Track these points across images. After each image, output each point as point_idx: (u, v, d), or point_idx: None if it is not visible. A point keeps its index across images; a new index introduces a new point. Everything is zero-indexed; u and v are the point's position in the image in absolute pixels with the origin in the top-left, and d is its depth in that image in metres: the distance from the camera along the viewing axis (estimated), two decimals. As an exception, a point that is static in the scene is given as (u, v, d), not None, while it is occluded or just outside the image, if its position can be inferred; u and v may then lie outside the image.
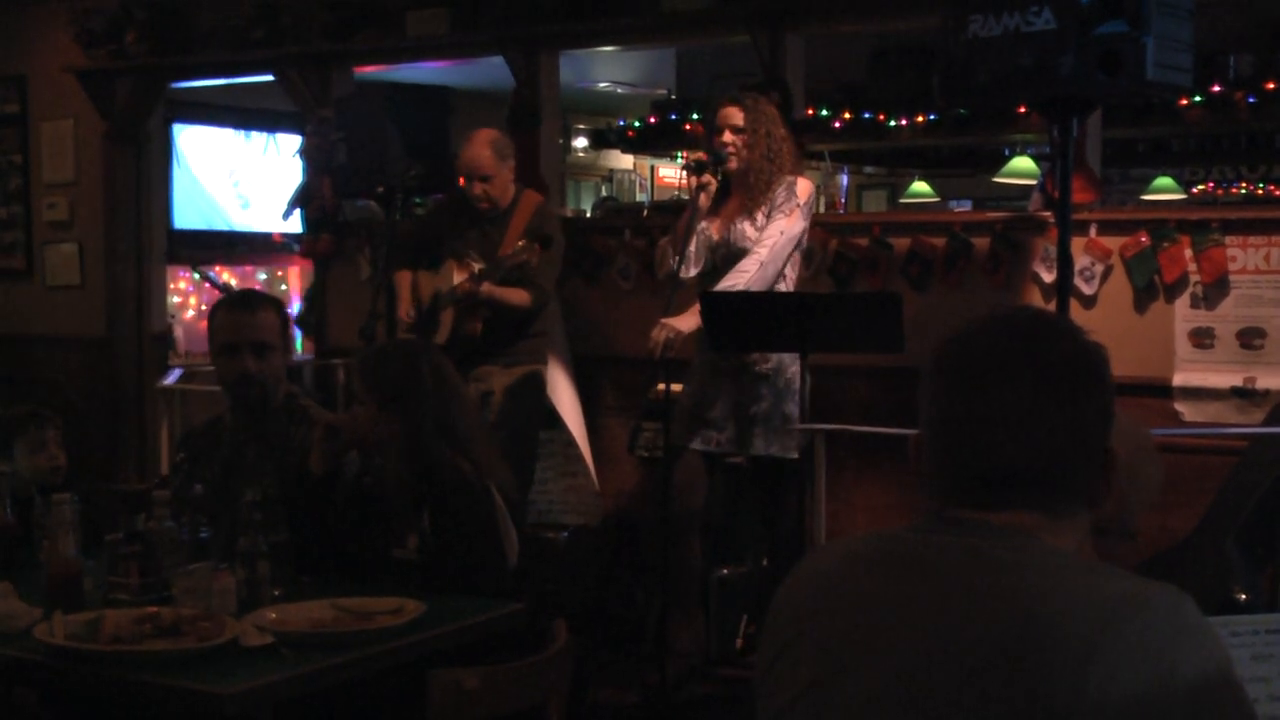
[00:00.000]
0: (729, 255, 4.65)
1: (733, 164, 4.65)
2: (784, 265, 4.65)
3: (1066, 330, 1.53)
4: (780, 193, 4.64)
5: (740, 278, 4.56)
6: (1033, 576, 1.39)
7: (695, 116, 7.67)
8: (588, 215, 8.96)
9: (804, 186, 4.70)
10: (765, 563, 4.94)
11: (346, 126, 6.52)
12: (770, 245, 4.59)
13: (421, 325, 5.33)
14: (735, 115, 4.68)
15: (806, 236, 4.76)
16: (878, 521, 5.41)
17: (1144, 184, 9.47)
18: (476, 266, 5.17)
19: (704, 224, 4.70)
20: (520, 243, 5.03)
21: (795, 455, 4.70)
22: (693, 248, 4.63)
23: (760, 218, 4.63)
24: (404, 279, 5.43)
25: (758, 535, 4.86)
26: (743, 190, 4.70)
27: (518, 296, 5.19)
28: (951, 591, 1.41)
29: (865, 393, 5.40)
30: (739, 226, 4.66)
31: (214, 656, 2.62)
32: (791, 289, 4.73)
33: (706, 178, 4.63)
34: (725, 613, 4.94)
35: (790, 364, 4.68)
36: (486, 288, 5.09)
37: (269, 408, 3.63)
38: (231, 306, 3.67)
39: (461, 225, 5.35)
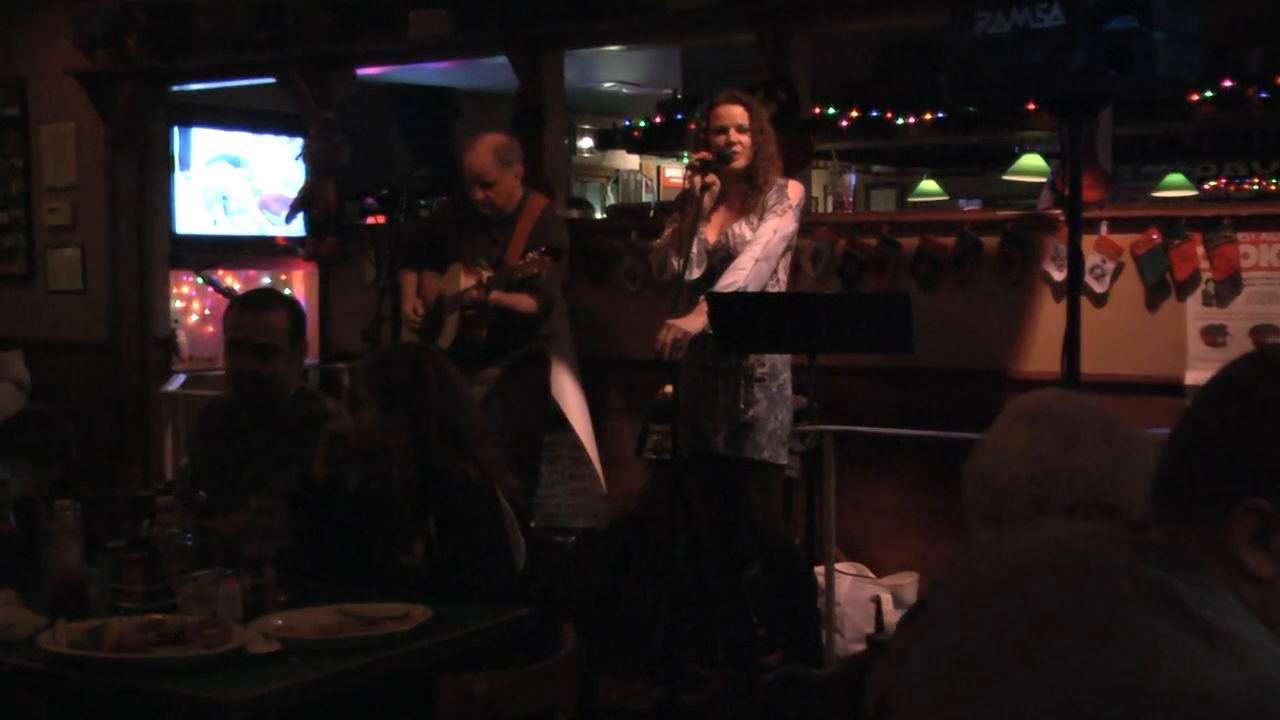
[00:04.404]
0: (726, 258, 4.65)
1: (740, 162, 4.65)
2: (777, 265, 4.65)
3: None
4: (771, 195, 4.65)
5: (738, 275, 4.56)
6: None
7: (697, 117, 7.67)
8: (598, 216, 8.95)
9: (795, 189, 4.71)
10: (753, 571, 4.93)
11: (349, 128, 6.54)
12: (765, 243, 4.59)
13: (425, 328, 5.34)
14: (739, 114, 4.68)
15: (795, 239, 4.77)
16: (888, 526, 5.40)
17: (1155, 181, 9.46)
18: (485, 274, 5.17)
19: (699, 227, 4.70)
20: (531, 255, 5.03)
21: (785, 461, 4.70)
22: (695, 249, 4.63)
23: (755, 220, 4.64)
24: (409, 279, 5.43)
25: (749, 541, 4.85)
26: (740, 191, 4.70)
27: (524, 303, 5.19)
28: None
29: (873, 394, 5.41)
30: (736, 230, 4.66)
31: (220, 664, 2.62)
32: (782, 291, 4.74)
33: (710, 177, 4.63)
34: (735, 616, 4.93)
35: (783, 368, 4.68)
36: (495, 296, 5.10)
37: (276, 409, 3.65)
38: (242, 304, 3.80)
39: (467, 228, 5.35)
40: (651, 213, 7.06)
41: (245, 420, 3.72)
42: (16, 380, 7.45)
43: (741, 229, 4.66)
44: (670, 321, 4.57)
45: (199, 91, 7.76)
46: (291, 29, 6.85)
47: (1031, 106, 6.45)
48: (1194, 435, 1.38)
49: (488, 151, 5.24)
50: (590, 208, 9.27)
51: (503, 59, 6.43)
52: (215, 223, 8.42)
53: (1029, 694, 1.29)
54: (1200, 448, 1.37)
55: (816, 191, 10.05)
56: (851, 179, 11.17)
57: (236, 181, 8.57)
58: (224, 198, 8.51)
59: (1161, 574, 1.30)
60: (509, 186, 5.28)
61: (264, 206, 8.55)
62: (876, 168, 11.73)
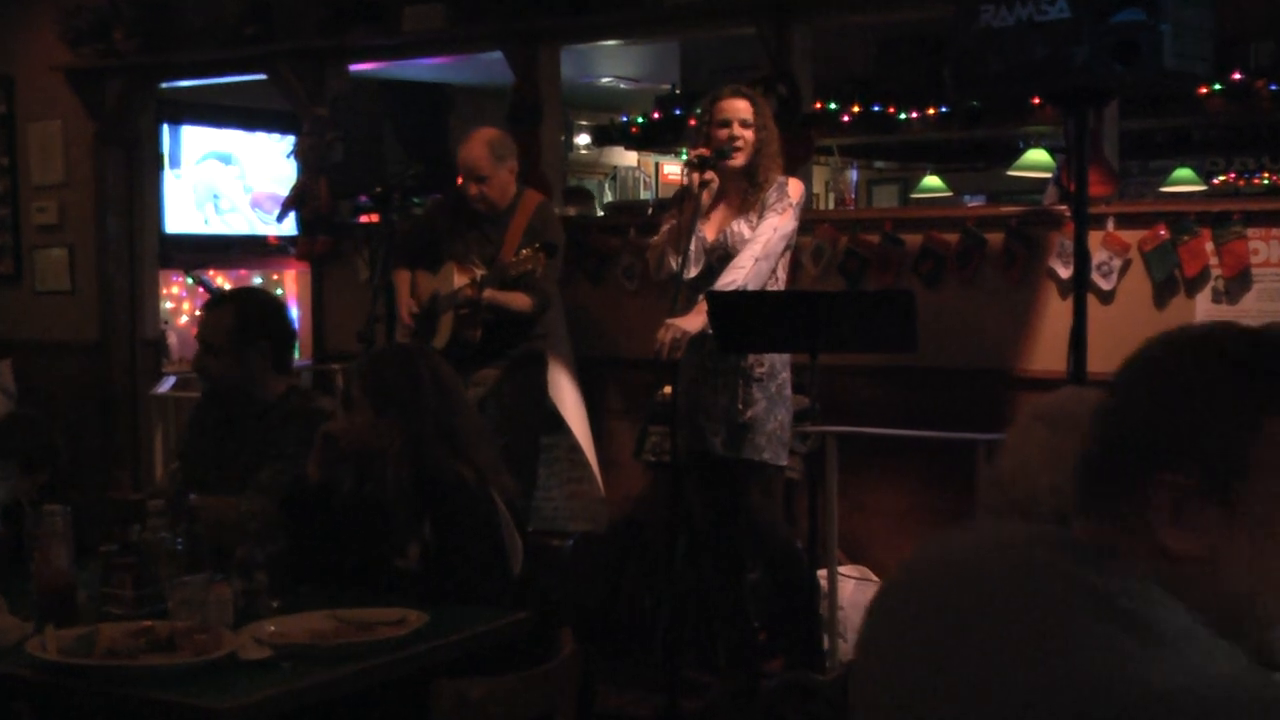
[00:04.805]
0: (724, 257, 4.66)
1: (740, 159, 4.65)
2: (776, 263, 4.66)
3: None
4: (772, 193, 4.65)
5: (738, 273, 4.57)
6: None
7: (699, 112, 7.67)
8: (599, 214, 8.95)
9: (795, 186, 4.71)
10: (753, 575, 4.93)
11: (342, 125, 6.52)
12: (764, 241, 4.60)
13: (419, 329, 5.34)
14: (744, 108, 4.68)
15: (795, 237, 4.77)
16: (892, 528, 5.40)
17: (1163, 176, 9.46)
18: (479, 272, 5.17)
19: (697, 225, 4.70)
20: (525, 251, 5.03)
21: (785, 462, 4.70)
22: (693, 247, 4.63)
23: (754, 218, 4.64)
24: (403, 278, 5.43)
25: (750, 543, 4.85)
26: (740, 188, 4.70)
27: (519, 301, 5.18)
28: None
29: (876, 394, 5.41)
30: (735, 228, 4.66)
31: (211, 671, 2.62)
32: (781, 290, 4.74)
33: (709, 174, 4.63)
34: (736, 621, 4.93)
35: (782, 368, 4.69)
36: (489, 294, 5.09)
37: (246, 408, 3.72)
38: (205, 305, 3.86)
39: (460, 225, 5.35)
40: (650, 210, 7.05)
41: (222, 417, 3.78)
42: (4, 389, 7.44)
43: (740, 227, 4.66)
44: (669, 321, 4.57)
45: (189, 88, 7.75)
46: (282, 24, 6.85)
47: (1037, 101, 6.44)
48: (1107, 421, 1.41)
49: (481, 145, 5.24)
50: (589, 197, 9.26)
51: (498, 54, 6.42)
52: (206, 221, 8.43)
53: (965, 702, 1.31)
54: (1113, 432, 1.39)
55: (818, 188, 10.05)
56: (853, 175, 11.17)
57: (228, 179, 8.58)
58: (215, 196, 8.51)
59: (1083, 570, 1.32)
60: (503, 181, 5.28)
61: (256, 205, 8.56)
62: (879, 163, 11.72)
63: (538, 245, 5.03)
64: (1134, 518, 1.35)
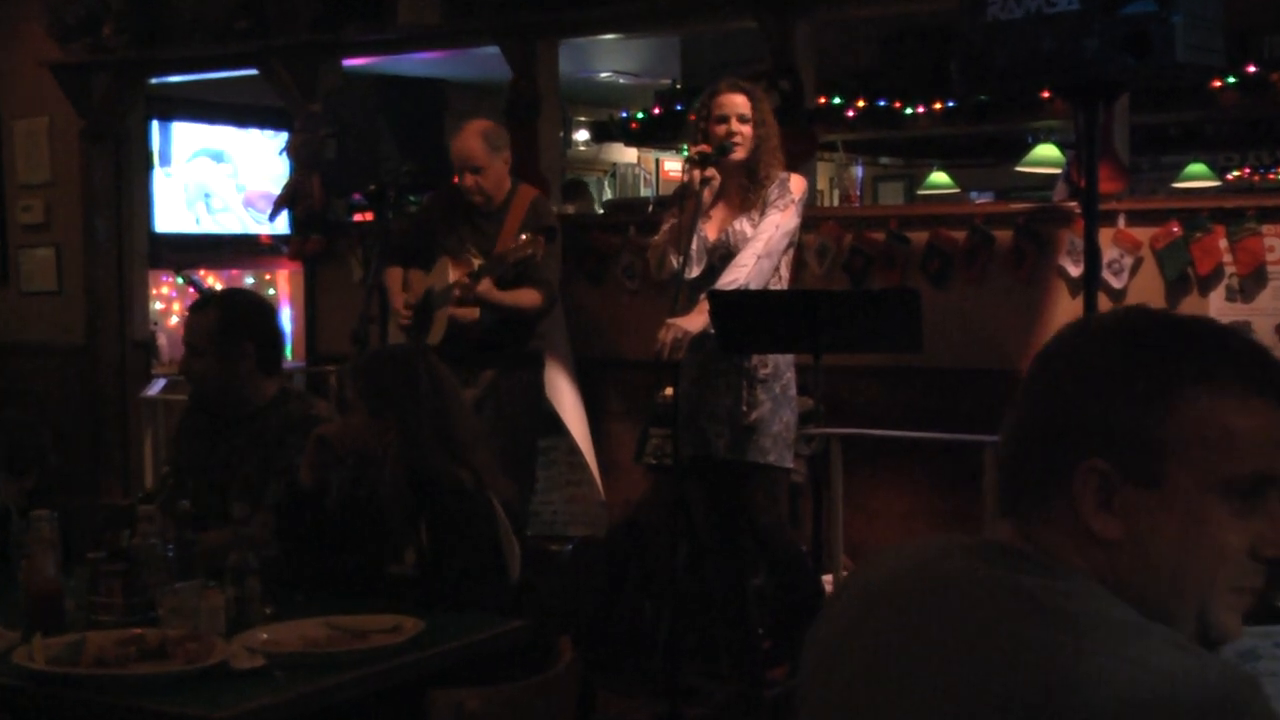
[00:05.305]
0: (726, 256, 4.66)
1: (740, 155, 4.65)
2: (779, 261, 4.66)
3: None
4: (773, 189, 4.65)
5: (740, 272, 4.57)
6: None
7: (697, 107, 7.68)
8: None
9: (797, 183, 4.71)
10: (757, 580, 4.93)
11: (335, 122, 6.53)
12: (766, 239, 4.60)
13: (414, 326, 5.33)
14: (742, 103, 4.68)
15: (798, 235, 4.77)
16: (898, 532, 5.40)
17: (1175, 171, 9.47)
18: (476, 262, 5.15)
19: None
20: (524, 236, 5.02)
21: (790, 464, 4.70)
22: (695, 246, 4.63)
23: (756, 216, 4.64)
24: (394, 276, 5.43)
25: (754, 548, 4.85)
26: (740, 185, 4.70)
27: (528, 297, 5.17)
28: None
29: (881, 395, 5.41)
30: (737, 226, 4.66)
31: (202, 679, 2.62)
32: (784, 289, 4.74)
33: (710, 171, 4.63)
34: (739, 628, 4.93)
35: (786, 369, 4.69)
36: (485, 285, 5.07)
37: (234, 412, 3.72)
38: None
39: (455, 220, 5.35)
40: (650, 208, 7.06)
41: (213, 421, 3.78)
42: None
43: (742, 225, 4.66)
44: (670, 321, 4.57)
45: (179, 84, 7.75)
46: (274, 18, 6.85)
47: (1046, 95, 6.45)
48: (1024, 415, 1.42)
49: (475, 135, 5.25)
50: (586, 191, 9.27)
51: (495, 49, 6.43)
52: (198, 221, 8.42)
53: (907, 716, 1.33)
54: (1032, 425, 1.41)
55: (822, 185, 10.06)
56: (858, 171, 11.18)
57: (220, 178, 8.57)
58: (206, 195, 8.50)
59: (1005, 572, 1.34)
60: (498, 172, 5.28)
61: (249, 204, 8.55)
62: (884, 159, 11.74)
63: (536, 230, 5.02)
64: (1058, 508, 1.37)
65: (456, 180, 5.30)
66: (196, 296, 7.22)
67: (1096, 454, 1.34)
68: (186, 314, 3.89)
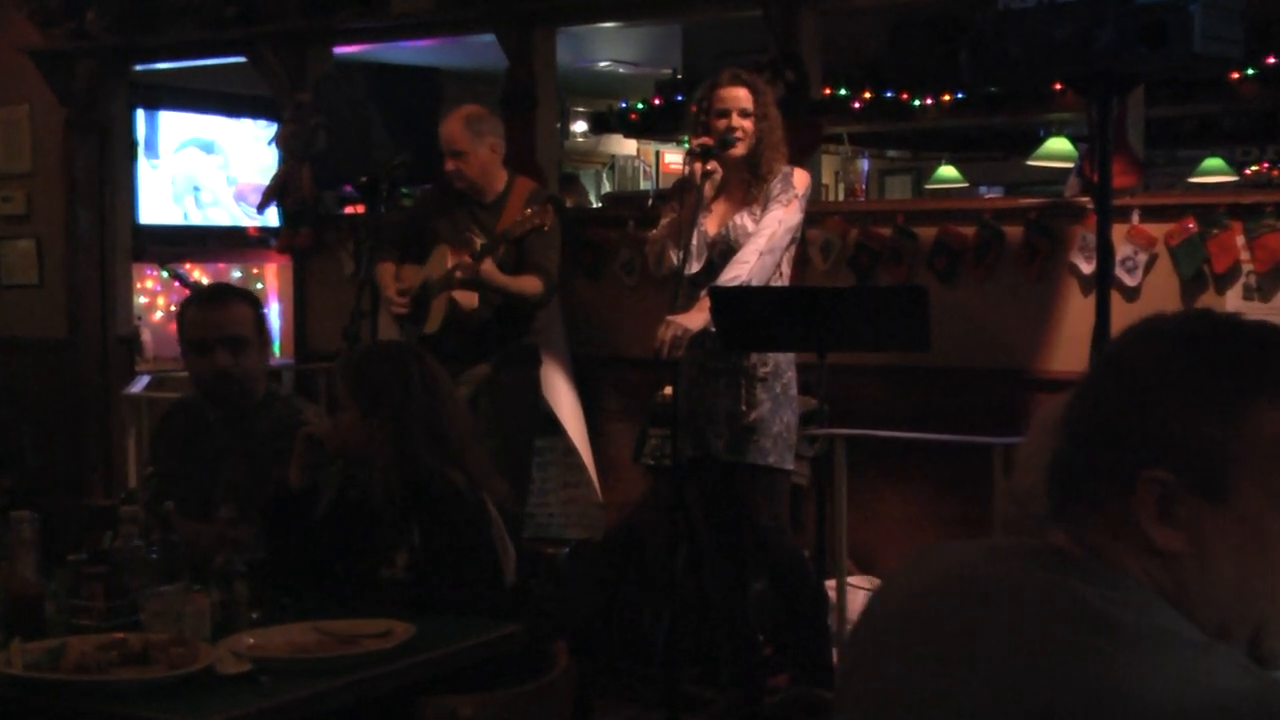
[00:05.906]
0: (727, 252, 4.66)
1: (740, 149, 4.65)
2: (781, 258, 4.66)
3: None
4: (776, 184, 4.65)
5: (741, 269, 4.57)
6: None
7: (698, 98, 7.68)
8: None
9: (800, 177, 4.71)
10: (758, 585, 4.93)
11: (326, 111, 6.53)
12: (769, 235, 4.60)
13: (410, 316, 5.33)
14: (743, 96, 4.68)
15: (800, 231, 4.77)
16: (904, 536, 5.40)
17: (1192, 166, 9.46)
18: (479, 241, 5.13)
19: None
20: (529, 210, 5.02)
21: (791, 466, 4.70)
22: (695, 241, 4.63)
23: (758, 211, 4.64)
24: (387, 269, 5.42)
25: (754, 552, 4.85)
26: (742, 180, 4.70)
27: (529, 284, 5.16)
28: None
29: (887, 394, 5.41)
30: (738, 221, 4.66)
31: (187, 685, 2.61)
32: (786, 285, 4.74)
33: (712, 165, 4.63)
34: (739, 634, 4.93)
35: (787, 368, 4.69)
36: (488, 265, 5.05)
37: (245, 410, 3.66)
38: (202, 301, 3.74)
39: (453, 210, 5.34)
40: (650, 201, 7.06)
41: (213, 422, 3.73)
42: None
43: (743, 220, 4.66)
44: (670, 318, 4.57)
45: (167, 71, 7.75)
46: (263, 4, 6.85)
47: (1058, 86, 6.44)
48: (1086, 417, 1.41)
49: (458, 120, 5.25)
50: (579, 185, 9.27)
51: (490, 37, 6.43)
52: (186, 215, 8.42)
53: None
54: (1094, 428, 1.39)
55: (827, 178, 10.07)
56: (864, 165, 11.17)
57: (209, 169, 8.56)
58: (195, 187, 8.50)
59: (1058, 576, 1.33)
60: (482, 159, 5.27)
61: (240, 197, 8.55)
62: (891, 152, 11.73)
63: (542, 201, 5.02)
64: (1117, 517, 1.36)
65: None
66: (183, 290, 7.24)
67: (1160, 464, 1.33)
68: (205, 311, 3.71)
